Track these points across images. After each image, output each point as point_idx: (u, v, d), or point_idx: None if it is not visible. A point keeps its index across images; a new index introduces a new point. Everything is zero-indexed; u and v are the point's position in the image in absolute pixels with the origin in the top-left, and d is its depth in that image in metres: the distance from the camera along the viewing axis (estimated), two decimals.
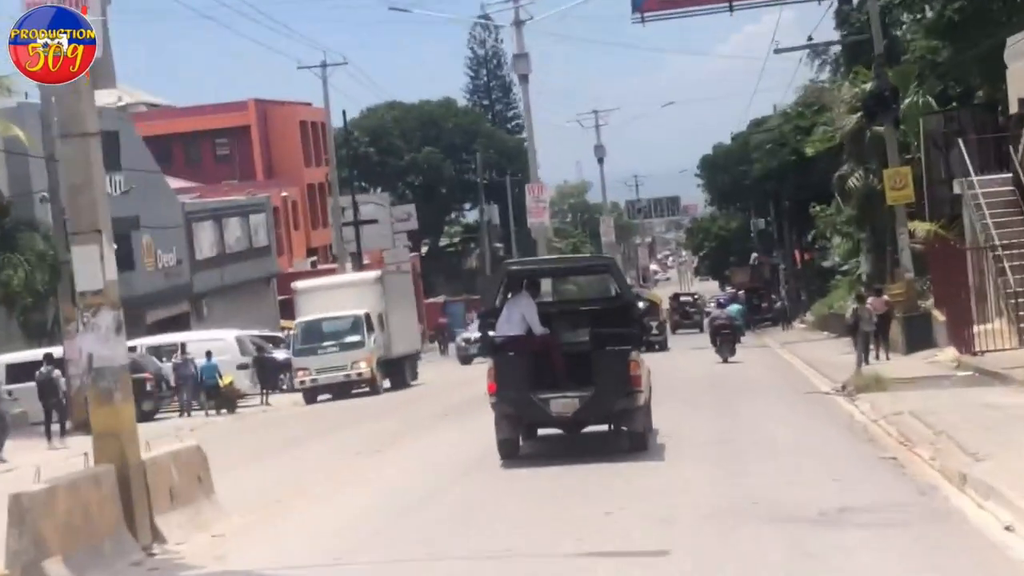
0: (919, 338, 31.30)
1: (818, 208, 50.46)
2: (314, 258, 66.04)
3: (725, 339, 37.98)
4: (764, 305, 68.18)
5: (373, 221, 55.21)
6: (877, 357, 30.03)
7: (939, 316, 30.88)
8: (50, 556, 10.39)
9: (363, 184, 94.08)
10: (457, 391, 32.35)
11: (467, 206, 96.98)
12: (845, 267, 70.47)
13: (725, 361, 36.92)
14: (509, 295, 17.52)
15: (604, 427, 17.58)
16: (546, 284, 26.28)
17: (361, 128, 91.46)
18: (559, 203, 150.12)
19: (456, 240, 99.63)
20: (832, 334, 48.58)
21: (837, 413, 21.10)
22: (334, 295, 37.47)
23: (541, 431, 17.93)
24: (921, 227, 34.84)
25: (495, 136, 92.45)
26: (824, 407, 22.25)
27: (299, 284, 40.05)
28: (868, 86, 35.08)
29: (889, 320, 32.02)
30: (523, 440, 17.49)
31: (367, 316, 36.34)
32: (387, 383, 38.17)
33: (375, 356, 36.40)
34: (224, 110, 72.47)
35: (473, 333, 50.08)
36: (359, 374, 36.16)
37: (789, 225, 66.04)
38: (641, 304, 22.26)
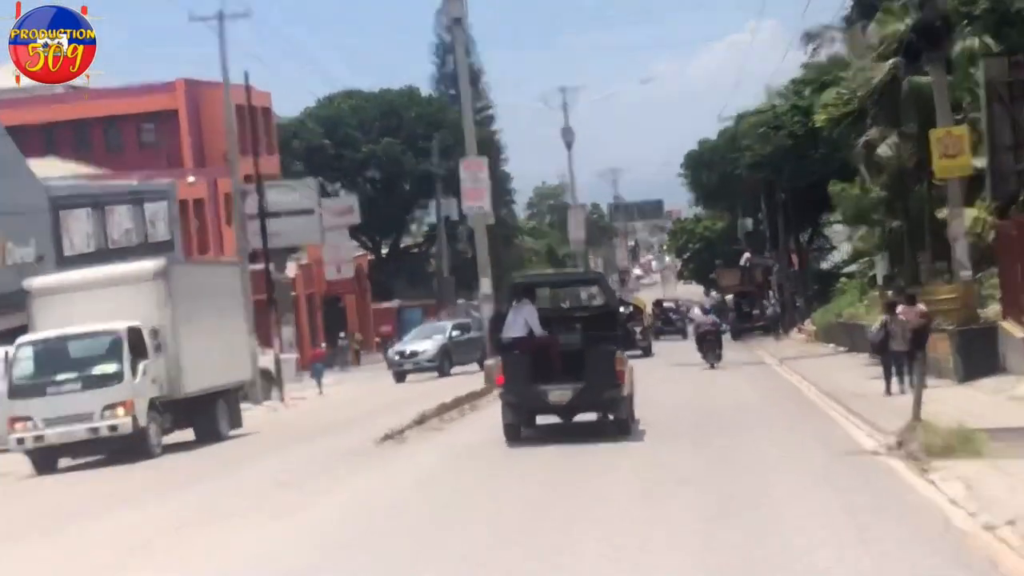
0: (981, 361, 22.58)
1: (840, 187, 40.86)
2: None
3: (710, 345, 37.37)
4: (755, 312, 59.38)
5: (304, 212, 46.10)
6: (912, 385, 21.16)
7: (1011, 330, 22.00)
8: None
9: (320, 179, 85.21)
10: (326, 437, 23.75)
11: (432, 203, 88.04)
12: (848, 268, 61.92)
13: (712, 367, 36.28)
14: (514, 303, 20.29)
15: (593, 415, 19.89)
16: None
17: (315, 118, 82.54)
18: (537, 204, 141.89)
19: (420, 240, 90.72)
20: (840, 347, 39.83)
21: (913, 506, 12.07)
22: (87, 300, 23.44)
23: (540, 419, 20.09)
24: (968, 213, 26.09)
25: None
26: (886, 490, 13.16)
27: (35, 282, 25.10)
28: (904, 24, 26.10)
29: (925, 336, 23.05)
30: (524, 427, 19.78)
31: (132, 332, 22.76)
32: (188, 433, 25.25)
33: (144, 396, 22.83)
34: (149, 92, 63.31)
35: (410, 345, 41.27)
36: (113, 427, 22.24)
37: (784, 222, 57.15)
38: (624, 309, 25.15)
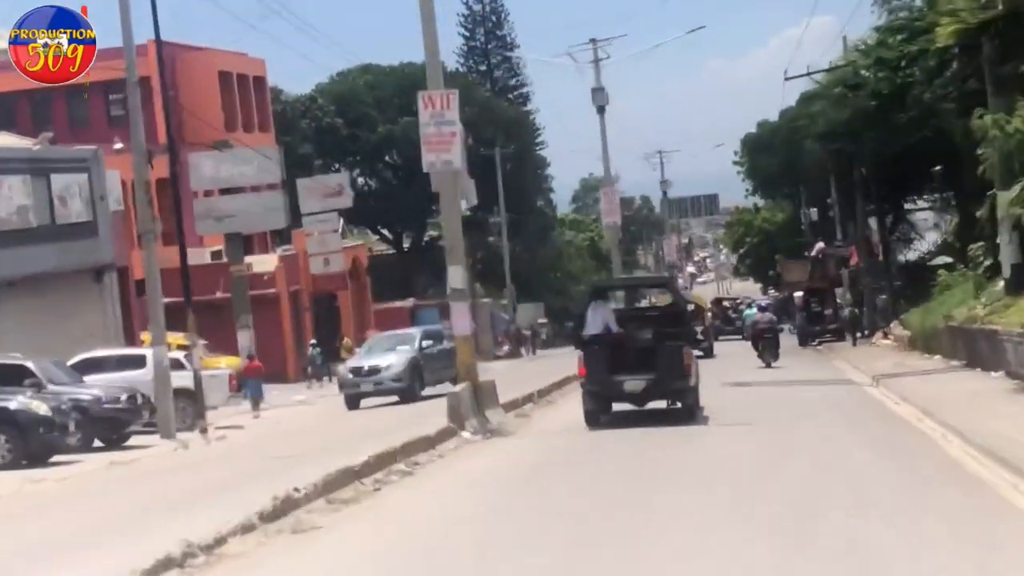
0: None
1: (994, 117, 29.07)
2: (217, 248, 46.78)
3: (768, 343, 35.92)
4: (827, 312, 48.65)
5: (265, 189, 35.93)
6: None
7: None
8: None
9: (333, 163, 75.39)
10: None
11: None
12: (939, 259, 51.04)
13: (768, 366, 34.88)
14: (592, 303, 22.14)
15: (663, 403, 21.59)
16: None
17: (328, 95, 72.63)
18: (583, 196, 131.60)
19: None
20: (953, 360, 29.22)
21: None
22: None
23: (616, 407, 21.59)
24: None
25: (490, 106, 73.25)
26: None
27: None
28: None
29: None
30: (602, 415, 21.21)
31: None
32: None
33: None
34: (116, 55, 53.43)
35: (369, 360, 30.91)
36: None
37: (863, 203, 46.29)
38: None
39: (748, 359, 36.37)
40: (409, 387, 29.43)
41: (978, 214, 32.40)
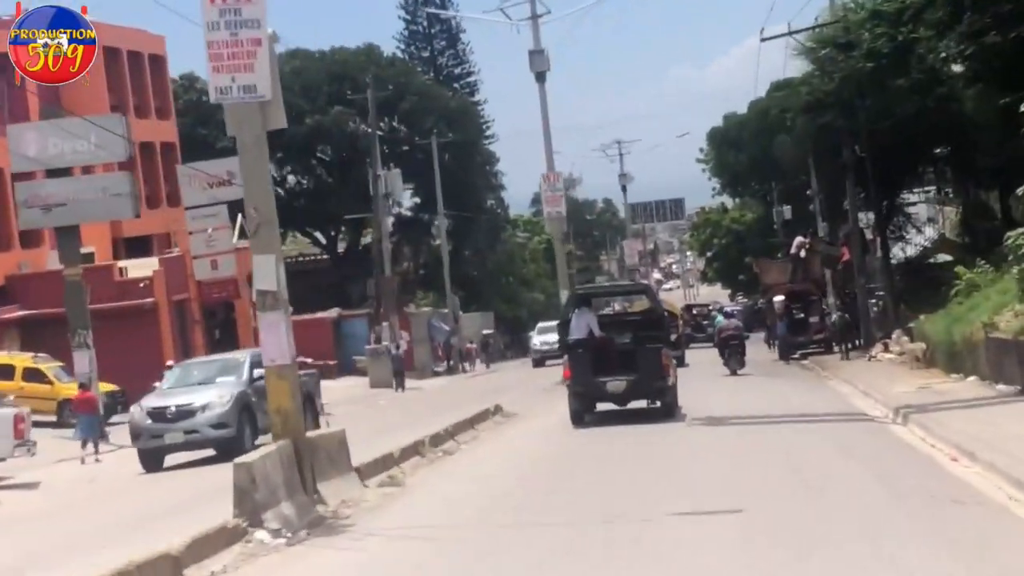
0: None
1: None
2: (90, 249, 38.19)
3: (733, 350, 34.25)
4: (812, 319, 40.57)
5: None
6: None
7: None
8: None
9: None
10: None
11: (406, 187, 69.45)
12: (931, 259, 43.22)
13: (734, 373, 33.33)
14: (576, 310, 23.15)
15: (644, 403, 22.04)
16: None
17: None
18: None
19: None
20: (1007, 386, 21.16)
21: None
22: None
23: (600, 407, 22.14)
24: None
25: (431, 93, 64.93)
26: None
27: None
28: None
29: None
30: (586, 414, 21.84)
31: None
32: None
33: None
34: None
35: (177, 398, 21.36)
36: None
37: (853, 189, 38.09)
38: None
39: (717, 367, 34.79)
40: (235, 436, 20.43)
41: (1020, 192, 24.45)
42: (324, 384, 48.47)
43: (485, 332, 51.42)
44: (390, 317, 45.34)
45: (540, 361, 48.50)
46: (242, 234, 42.45)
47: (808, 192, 53.80)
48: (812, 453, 15.93)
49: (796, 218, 70.35)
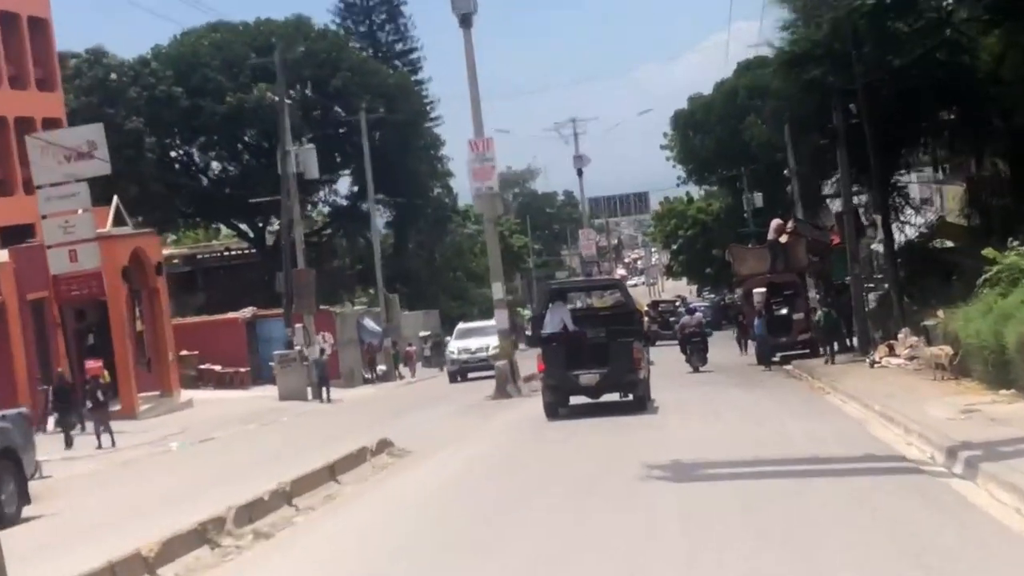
0: None
1: None
2: None
3: (695, 347, 32.95)
4: (796, 316, 33.61)
5: None
6: None
7: None
8: None
9: (175, 141, 59.63)
10: None
11: (341, 174, 62.25)
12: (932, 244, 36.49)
13: (696, 370, 32.14)
14: (551, 304, 23.22)
15: (616, 395, 22.08)
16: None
17: (165, 59, 56.76)
18: (502, 191, 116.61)
19: (320, 225, 64.95)
20: None
21: None
22: None
23: (573, 400, 22.14)
24: None
25: (367, 68, 57.75)
26: None
27: None
28: None
29: None
30: (560, 407, 21.89)
31: None
32: None
33: None
34: None
35: None
36: None
37: (850, 159, 31.00)
38: None
39: (681, 366, 33.20)
40: None
41: None
42: (228, 396, 41.52)
43: (423, 334, 44.37)
44: (305, 317, 38.16)
45: (460, 374, 40.05)
46: (118, 220, 35.35)
47: (786, 172, 47.01)
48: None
49: (769, 206, 63.81)
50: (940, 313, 24.71)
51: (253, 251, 60.44)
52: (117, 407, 32.18)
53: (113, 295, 32.47)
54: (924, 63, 28.57)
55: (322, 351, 41.50)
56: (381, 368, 47.41)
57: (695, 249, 77.17)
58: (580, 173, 61.17)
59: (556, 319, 22.57)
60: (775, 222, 35.36)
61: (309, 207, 64.27)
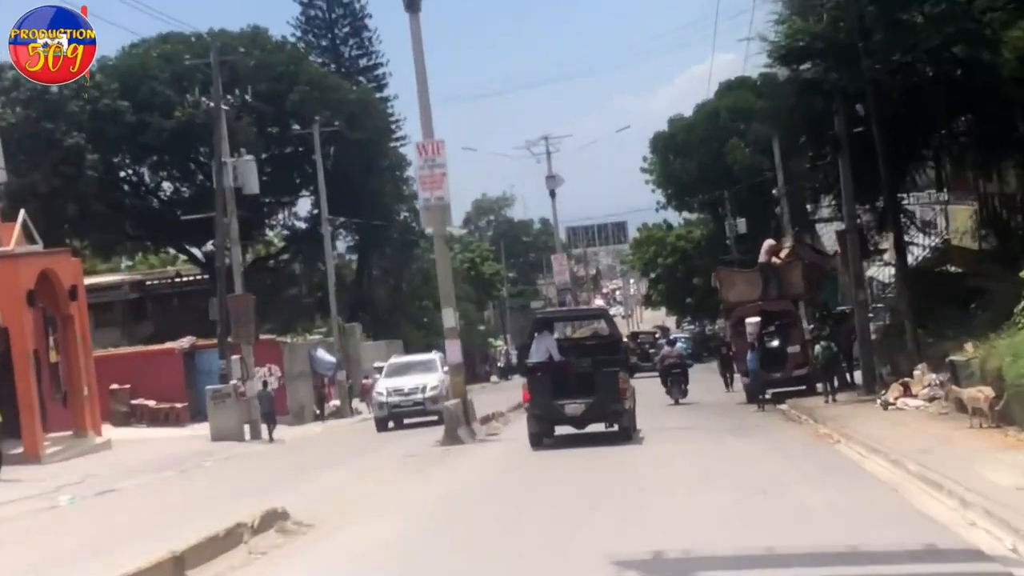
0: None
1: None
2: None
3: (676, 379, 32.23)
4: (791, 349, 29.37)
5: None
6: None
7: None
8: None
9: (125, 160, 55.38)
10: None
11: (301, 195, 58.03)
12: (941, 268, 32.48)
13: (676, 403, 31.32)
14: (536, 334, 22.92)
15: (602, 425, 21.81)
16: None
17: (112, 72, 52.48)
18: (476, 219, 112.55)
19: (277, 249, 60.64)
20: None
21: None
22: None
23: (558, 430, 21.94)
24: None
25: (327, 83, 53.58)
26: None
27: None
28: None
29: None
30: (545, 437, 21.68)
31: None
32: None
33: None
34: None
35: None
36: None
37: (849, 165, 26.80)
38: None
39: (660, 398, 32.08)
40: None
41: None
42: (158, 435, 37.00)
43: (376, 364, 40.25)
44: (243, 348, 33.80)
45: (390, 420, 32.17)
46: (28, 238, 31.01)
47: (775, 192, 42.90)
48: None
49: (753, 232, 59.79)
50: (969, 347, 20.62)
51: (206, 276, 56.03)
52: (18, 449, 27.83)
53: (14, 321, 28.07)
54: (938, 58, 24.59)
55: (266, 384, 37.31)
56: (335, 403, 43.02)
57: (675, 278, 73.07)
58: (553, 194, 57.09)
59: (542, 348, 22.44)
60: (768, 243, 31.19)
61: (267, 230, 60.04)
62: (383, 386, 33.09)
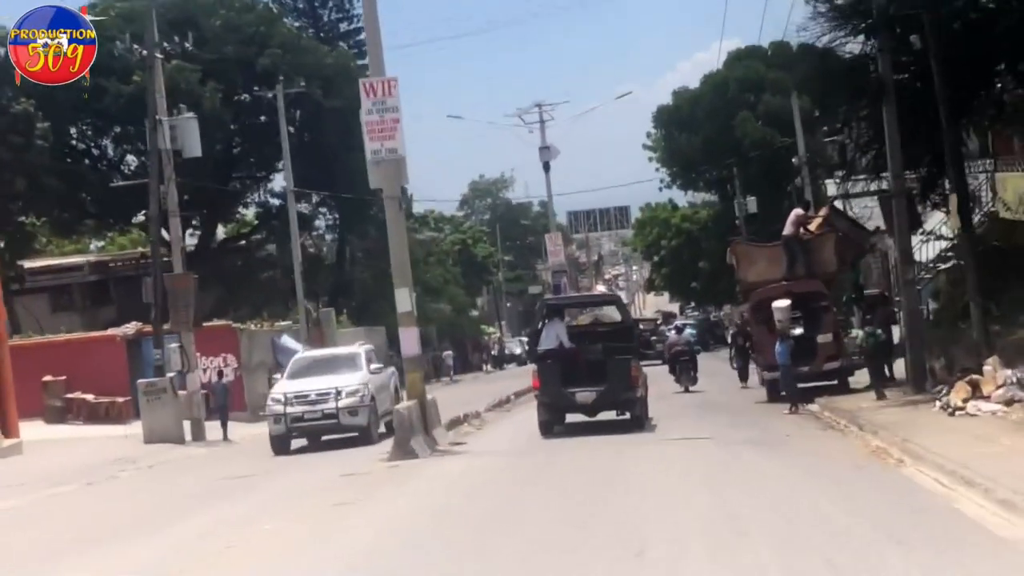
0: None
1: None
2: None
3: (684, 367, 31.48)
4: (823, 339, 24.41)
5: None
6: None
7: None
8: None
9: (86, 131, 50.67)
10: None
11: (278, 171, 53.13)
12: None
13: (686, 390, 30.55)
14: (546, 320, 22.58)
15: (613, 413, 21.49)
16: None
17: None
18: (473, 201, 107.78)
19: (248, 228, 55.80)
20: None
21: None
22: None
23: (569, 418, 21.77)
24: None
25: (301, 47, 48.68)
26: None
27: None
28: None
29: None
30: (555, 425, 21.42)
31: None
32: None
33: None
34: None
35: None
36: None
37: (896, 121, 21.98)
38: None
39: (668, 387, 30.57)
40: None
41: None
42: (86, 434, 31.90)
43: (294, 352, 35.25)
44: (183, 335, 29.00)
45: (292, 437, 23.93)
46: None
47: (794, 160, 37.85)
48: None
49: (764, 212, 54.88)
50: None
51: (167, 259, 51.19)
52: None
53: None
54: None
55: (221, 375, 32.66)
56: None
57: (680, 261, 68.15)
58: (547, 167, 52.14)
59: (552, 335, 22.12)
60: (795, 211, 26.10)
61: (241, 208, 55.27)
62: (280, 390, 24.20)
